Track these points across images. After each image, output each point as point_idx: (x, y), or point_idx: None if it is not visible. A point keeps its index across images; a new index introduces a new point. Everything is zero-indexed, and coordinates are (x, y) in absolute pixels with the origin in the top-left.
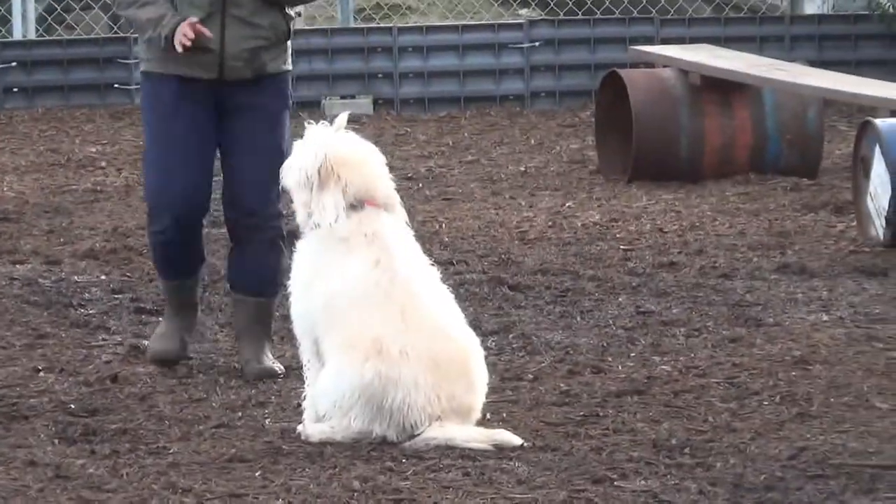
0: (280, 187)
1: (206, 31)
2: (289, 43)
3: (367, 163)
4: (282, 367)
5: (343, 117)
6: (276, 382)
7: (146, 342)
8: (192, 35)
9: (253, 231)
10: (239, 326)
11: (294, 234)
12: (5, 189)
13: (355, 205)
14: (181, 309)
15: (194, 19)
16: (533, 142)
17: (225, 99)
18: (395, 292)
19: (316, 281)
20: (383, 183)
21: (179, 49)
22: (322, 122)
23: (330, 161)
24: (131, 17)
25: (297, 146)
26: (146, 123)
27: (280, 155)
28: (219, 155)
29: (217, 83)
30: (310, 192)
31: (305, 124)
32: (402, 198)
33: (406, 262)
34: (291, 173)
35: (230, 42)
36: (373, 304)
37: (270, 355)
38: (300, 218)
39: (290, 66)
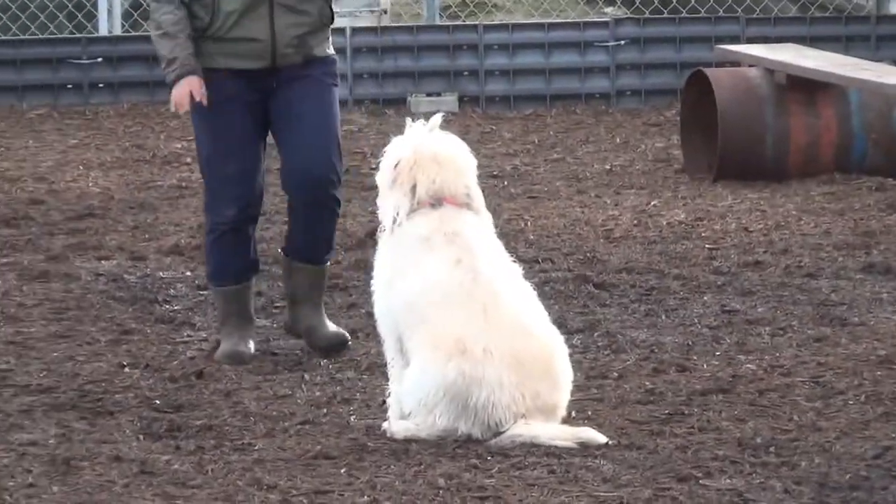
0: (337, 154)
1: (205, 100)
2: (329, 28)
3: (451, 161)
4: (347, 334)
5: (437, 117)
6: (360, 379)
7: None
8: (185, 106)
9: (310, 192)
10: (297, 294)
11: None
12: (90, 185)
13: (434, 203)
14: (241, 319)
15: (195, 83)
16: (618, 140)
17: (275, 82)
18: (478, 291)
19: (397, 279)
20: (467, 182)
21: (172, 108)
22: (419, 120)
23: (409, 160)
24: (153, 39)
25: (390, 145)
26: (197, 119)
27: (332, 124)
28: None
29: (268, 70)
30: (388, 190)
31: (407, 121)
32: (487, 195)
33: (488, 260)
34: (380, 172)
35: (279, 31)
36: (455, 303)
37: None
38: (380, 216)
39: (333, 51)
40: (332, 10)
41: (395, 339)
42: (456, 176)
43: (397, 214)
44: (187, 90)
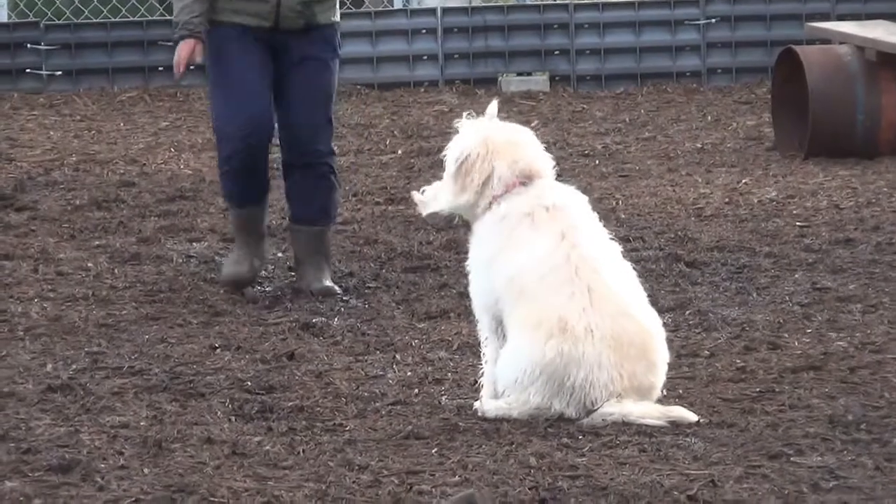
0: (331, 127)
1: (198, 58)
2: None
3: (528, 141)
4: (340, 289)
5: (493, 106)
6: (452, 360)
7: (322, 319)
8: (182, 68)
9: (307, 168)
10: (300, 254)
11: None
12: (182, 167)
13: (525, 181)
14: (249, 236)
15: (192, 45)
16: (709, 118)
17: (279, 46)
18: (581, 269)
19: (499, 256)
20: (546, 160)
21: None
22: (470, 113)
23: (486, 144)
24: None
25: (456, 138)
26: (210, 64)
27: (329, 98)
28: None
29: (272, 31)
30: (464, 177)
31: (464, 116)
32: (578, 174)
33: (590, 237)
34: (449, 162)
35: None
36: (558, 280)
37: (330, 277)
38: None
39: (338, 18)
40: None
41: (490, 318)
42: (538, 153)
43: (477, 206)
44: (184, 53)
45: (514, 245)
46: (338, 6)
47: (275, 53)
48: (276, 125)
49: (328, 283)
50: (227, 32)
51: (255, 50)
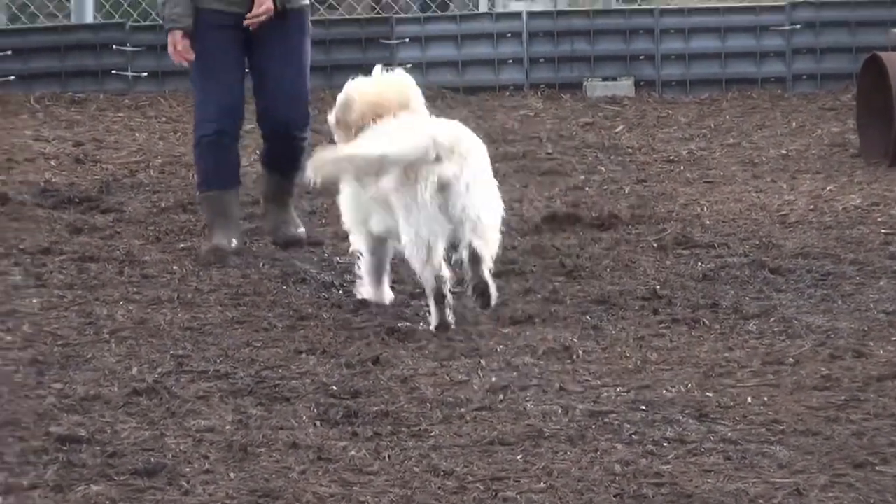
0: (308, 108)
1: (188, 55)
2: None
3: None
4: (304, 234)
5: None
6: (537, 365)
7: (408, 324)
8: (175, 59)
9: (284, 137)
10: (266, 193)
11: None
12: None
13: None
14: (224, 219)
15: (177, 39)
16: (794, 125)
17: (253, 30)
18: None
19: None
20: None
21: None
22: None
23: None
24: None
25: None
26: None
27: (303, 76)
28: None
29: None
30: None
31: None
32: (663, 180)
33: None
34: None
35: None
36: None
37: (295, 224)
38: None
39: (307, 2)
40: None
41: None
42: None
43: None
44: (171, 47)
45: None
46: None
47: (249, 38)
48: (252, 113)
49: (295, 230)
50: (207, 21)
51: (230, 35)
